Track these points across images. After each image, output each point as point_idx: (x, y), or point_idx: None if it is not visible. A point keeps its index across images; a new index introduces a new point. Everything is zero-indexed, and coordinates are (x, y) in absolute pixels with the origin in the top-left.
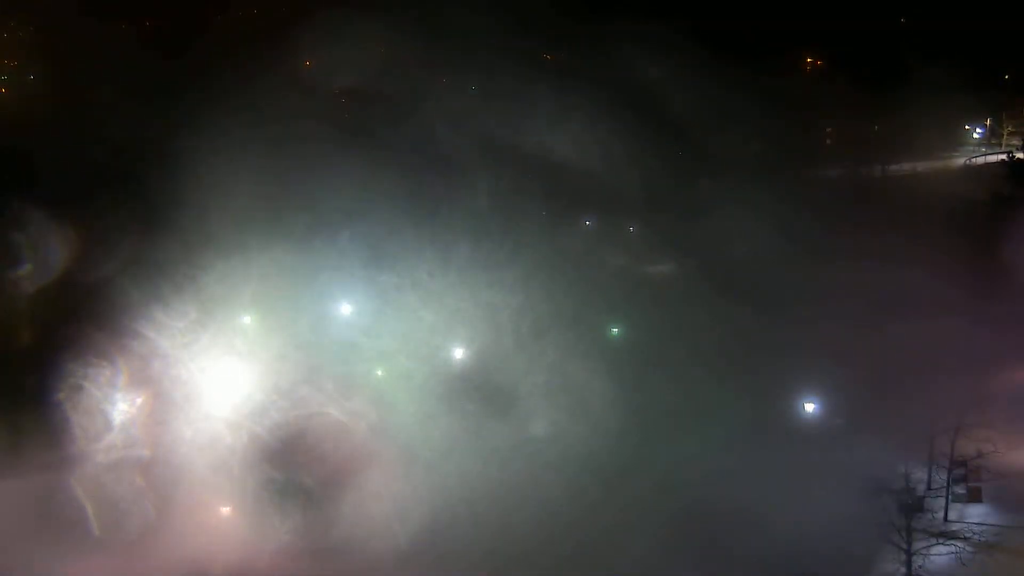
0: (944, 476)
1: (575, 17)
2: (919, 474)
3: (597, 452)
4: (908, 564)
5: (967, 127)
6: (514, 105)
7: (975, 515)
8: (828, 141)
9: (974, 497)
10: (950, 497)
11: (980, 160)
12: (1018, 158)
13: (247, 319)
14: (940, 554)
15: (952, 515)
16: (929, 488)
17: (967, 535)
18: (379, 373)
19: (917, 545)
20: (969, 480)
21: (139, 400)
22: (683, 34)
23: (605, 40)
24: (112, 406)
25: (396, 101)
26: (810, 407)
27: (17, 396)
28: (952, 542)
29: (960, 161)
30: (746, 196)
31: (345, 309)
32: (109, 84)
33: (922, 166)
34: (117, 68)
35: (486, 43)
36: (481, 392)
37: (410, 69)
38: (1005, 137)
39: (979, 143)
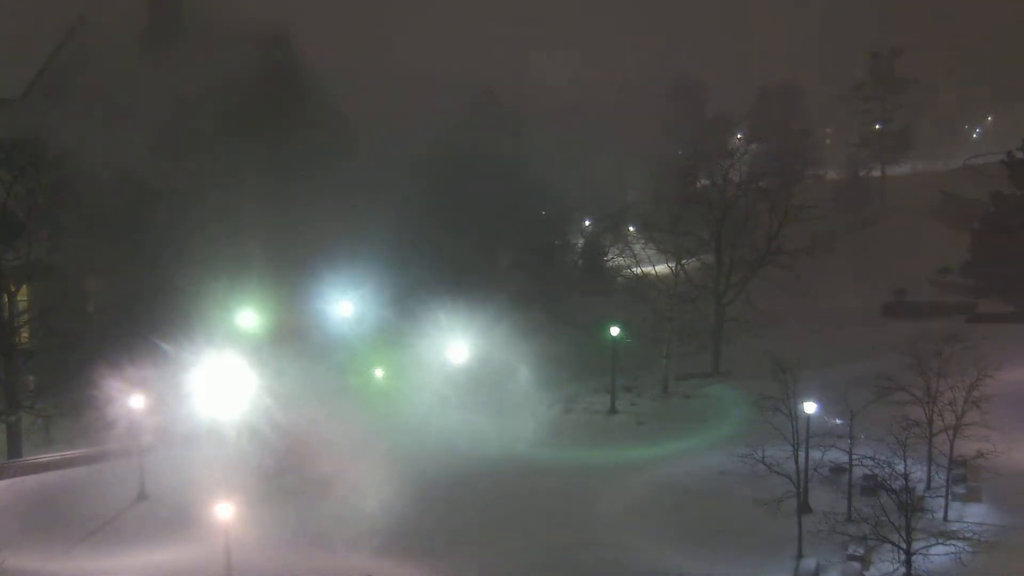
0: (944, 476)
1: None
2: None
3: None
4: (908, 564)
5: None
6: None
7: (975, 515)
8: None
9: (974, 497)
10: (950, 497)
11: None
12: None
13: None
14: (940, 554)
15: (952, 515)
16: (929, 488)
17: (967, 535)
18: None
19: (917, 545)
20: (969, 480)
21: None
22: None
23: None
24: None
25: None
26: None
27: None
28: (952, 542)
29: None
30: None
31: None
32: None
33: None
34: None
35: None
36: None
37: None
38: None
39: None
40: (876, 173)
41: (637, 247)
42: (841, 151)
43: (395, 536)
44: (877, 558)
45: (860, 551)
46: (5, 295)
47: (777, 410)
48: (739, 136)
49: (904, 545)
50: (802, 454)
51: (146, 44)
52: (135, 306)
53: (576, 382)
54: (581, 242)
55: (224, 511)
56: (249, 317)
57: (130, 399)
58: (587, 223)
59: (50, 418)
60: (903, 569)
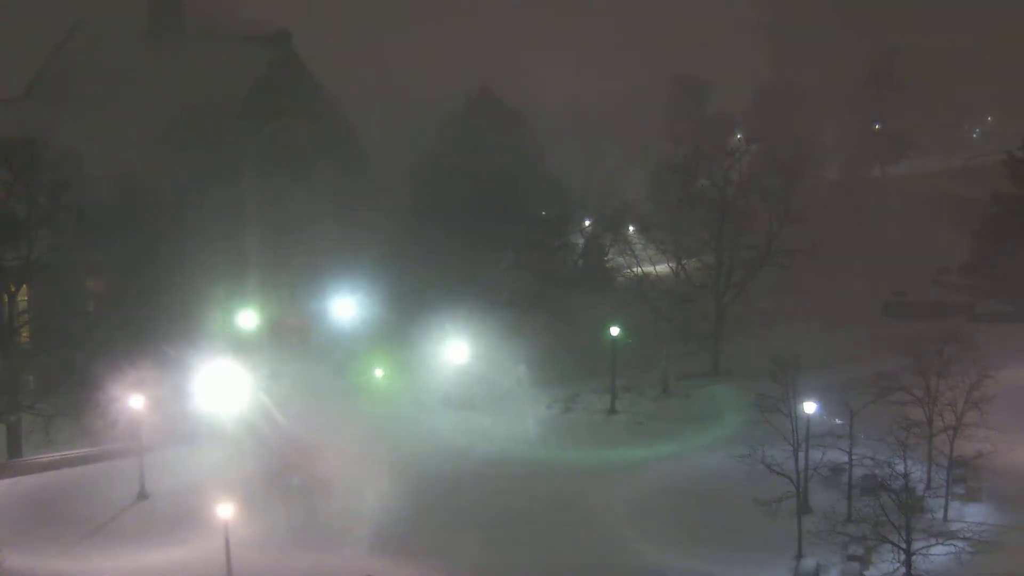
0: (944, 476)
1: None
2: None
3: None
4: (908, 564)
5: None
6: None
7: (975, 515)
8: None
9: (974, 497)
10: (950, 497)
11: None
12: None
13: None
14: (940, 554)
15: (952, 515)
16: (929, 488)
17: (967, 535)
18: None
19: (917, 545)
20: (969, 480)
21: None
22: None
23: None
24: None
25: None
26: None
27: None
28: (952, 542)
29: None
30: None
31: None
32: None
33: None
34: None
35: None
36: None
37: None
38: None
39: None
40: (876, 173)
41: (637, 247)
42: (841, 151)
43: (395, 536)
44: (877, 558)
45: (860, 551)
46: (5, 295)
47: (777, 410)
48: (739, 136)
49: (904, 545)
50: (802, 454)
51: (146, 44)
52: (135, 306)
53: (576, 382)
54: (581, 242)
55: (224, 511)
56: (249, 317)
57: (130, 399)
58: (587, 223)
59: (50, 418)
60: (903, 569)
